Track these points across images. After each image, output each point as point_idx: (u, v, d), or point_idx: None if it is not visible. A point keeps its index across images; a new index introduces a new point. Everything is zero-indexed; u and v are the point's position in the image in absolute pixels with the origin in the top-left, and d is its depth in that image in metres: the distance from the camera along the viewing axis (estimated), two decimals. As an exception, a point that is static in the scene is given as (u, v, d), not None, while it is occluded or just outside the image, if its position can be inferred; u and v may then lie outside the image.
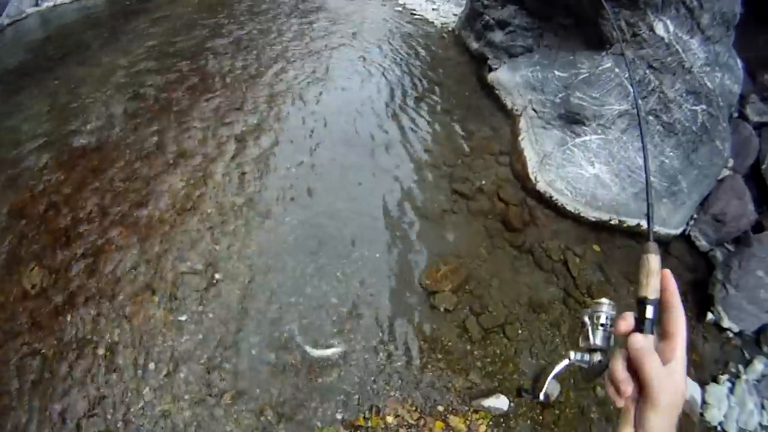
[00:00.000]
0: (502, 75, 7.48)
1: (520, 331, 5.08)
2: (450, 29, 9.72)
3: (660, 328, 0.92)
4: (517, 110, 7.11)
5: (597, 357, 1.00)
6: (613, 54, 6.29)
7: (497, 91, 7.44)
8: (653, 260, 0.96)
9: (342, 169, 6.31)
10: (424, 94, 7.56)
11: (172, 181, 5.81)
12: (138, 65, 7.81)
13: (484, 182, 6.19)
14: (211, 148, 6.34)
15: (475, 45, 8.43)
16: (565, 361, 1.07)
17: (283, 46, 8.68)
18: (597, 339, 1.00)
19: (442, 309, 4.97)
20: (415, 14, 10.16)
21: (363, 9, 10.82)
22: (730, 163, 6.73)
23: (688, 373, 4.05)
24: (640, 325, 0.90)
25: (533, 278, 5.50)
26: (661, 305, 0.92)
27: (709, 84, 6.15)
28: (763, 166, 6.89)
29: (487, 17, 8.17)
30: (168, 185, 5.73)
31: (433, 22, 9.99)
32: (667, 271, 0.95)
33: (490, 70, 7.84)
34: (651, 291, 0.93)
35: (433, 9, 10.19)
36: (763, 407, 6.14)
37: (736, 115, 7.25)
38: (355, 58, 8.56)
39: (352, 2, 11.15)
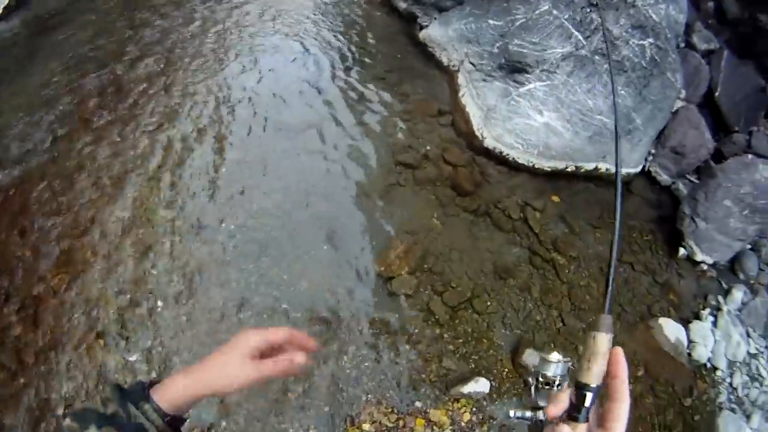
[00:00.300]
0: (433, 31, 6.96)
1: (489, 303, 4.67)
2: None
3: (599, 414, 0.80)
4: (454, 66, 6.62)
5: (540, 415, 0.87)
6: (548, -6, 5.83)
7: (431, 49, 6.92)
8: (601, 341, 0.83)
9: (275, 159, 5.70)
10: (355, 64, 6.97)
11: (100, 205, 5.13)
12: (58, 81, 6.96)
13: (428, 147, 5.68)
14: (135, 160, 5.64)
15: (402, 4, 7.88)
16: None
17: (207, 36, 7.94)
18: (540, 398, 0.88)
19: (402, 294, 4.49)
20: None
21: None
22: (683, 94, 6.44)
23: (669, 314, 4.26)
24: (574, 410, 0.80)
25: (494, 242, 5.09)
26: (605, 389, 0.80)
27: (654, 16, 5.80)
28: (716, 94, 6.61)
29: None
30: (97, 211, 5.06)
31: None
32: (619, 353, 0.82)
33: (421, 28, 7.31)
34: (593, 377, 0.81)
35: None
36: (748, 336, 5.92)
37: (683, 45, 6.95)
38: (282, 35, 7.88)
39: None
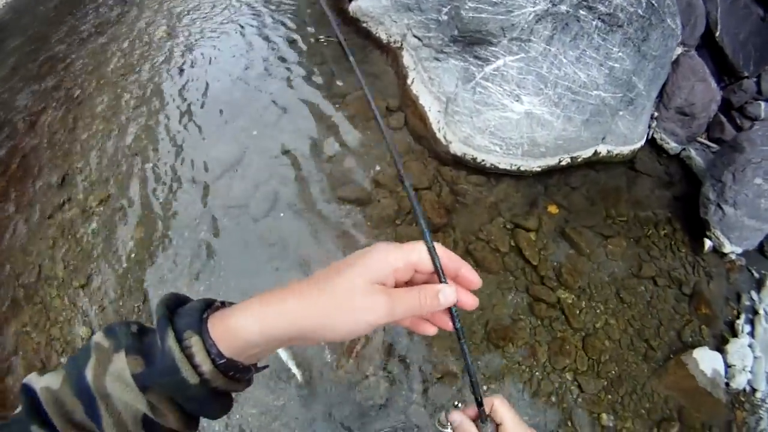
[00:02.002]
0: (364, 2, 5.31)
1: (485, 390, 3.39)
2: None
3: None
4: (395, 43, 5.04)
5: None
6: (505, -67, 4.18)
7: (365, 24, 5.31)
8: None
9: (188, 210, 4.22)
10: (273, 65, 5.34)
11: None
12: None
13: (378, 167, 4.23)
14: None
15: None
16: None
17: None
18: None
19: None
20: None
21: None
22: (680, 38, 4.97)
23: (702, 335, 4.04)
24: None
25: (481, 294, 3.77)
26: None
27: (642, -52, 4.26)
28: (717, 34, 5.22)
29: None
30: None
31: None
32: None
33: (350, 0, 5.58)
34: None
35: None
36: (794, 341, 4.89)
37: (670, -23, 5.37)
38: (203, 36, 6.11)
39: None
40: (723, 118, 5.52)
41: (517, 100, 4.24)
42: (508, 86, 4.24)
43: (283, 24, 6.08)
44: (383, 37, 5.26)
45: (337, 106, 4.72)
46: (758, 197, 4.59)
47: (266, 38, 5.86)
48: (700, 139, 5.39)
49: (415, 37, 4.93)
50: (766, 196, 4.59)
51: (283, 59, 5.45)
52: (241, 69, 5.38)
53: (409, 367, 3.60)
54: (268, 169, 4.36)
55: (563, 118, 4.33)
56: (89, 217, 4.73)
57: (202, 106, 5.12)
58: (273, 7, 6.40)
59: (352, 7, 5.58)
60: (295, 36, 5.78)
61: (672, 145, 5.28)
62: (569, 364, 3.85)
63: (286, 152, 4.39)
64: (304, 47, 5.64)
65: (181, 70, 5.74)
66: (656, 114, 5.23)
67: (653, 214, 4.78)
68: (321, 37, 5.61)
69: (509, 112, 4.23)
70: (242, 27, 6.14)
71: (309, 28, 5.88)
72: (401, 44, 5.11)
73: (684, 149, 5.39)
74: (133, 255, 4.31)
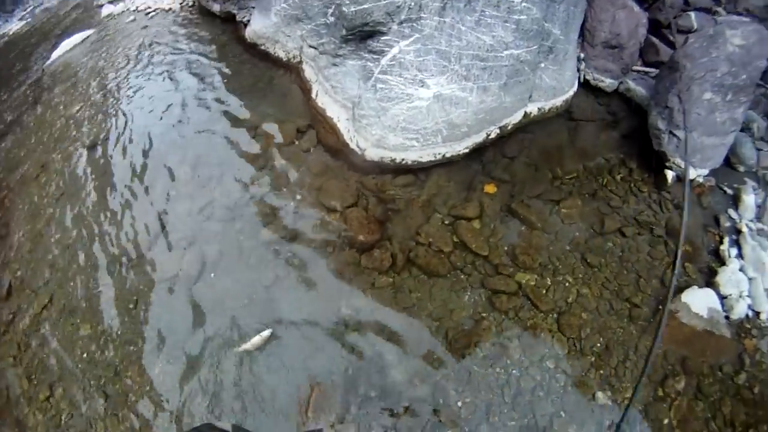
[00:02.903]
0: (257, 24, 5.20)
1: (460, 406, 3.10)
2: (191, 4, 6.95)
3: None
4: (294, 58, 4.77)
5: None
6: None
7: (263, 47, 5.07)
8: None
9: (124, 292, 4.07)
10: (177, 106, 5.02)
11: None
12: None
13: (298, 196, 3.93)
14: None
15: (216, 6, 5.87)
16: None
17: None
18: None
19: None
20: (150, 10, 7.39)
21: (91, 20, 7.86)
22: None
23: (688, 275, 3.92)
24: None
25: (435, 302, 3.63)
26: None
27: None
28: None
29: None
30: None
31: (172, 9, 7.22)
32: None
33: (245, 26, 5.28)
34: None
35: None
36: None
37: None
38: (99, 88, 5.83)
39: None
40: (655, 40, 5.13)
41: (421, 86, 3.89)
42: (409, 73, 3.89)
43: (199, 74, 5.77)
44: (282, 55, 4.95)
45: (249, 137, 4.42)
46: (711, 112, 4.23)
47: (182, 94, 5.56)
48: (635, 68, 5.02)
49: (311, 47, 4.61)
50: (719, 109, 4.23)
51: (187, 100, 5.12)
52: (152, 146, 5.08)
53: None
54: (191, 232, 4.06)
55: (478, 90, 3.98)
56: (40, 323, 4.50)
57: (114, 186, 4.83)
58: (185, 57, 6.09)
59: (248, 33, 5.28)
60: (201, 72, 5.45)
61: (607, 82, 4.90)
62: (547, 351, 3.52)
63: (200, 214, 4.07)
64: (209, 80, 5.31)
65: (93, 149, 5.46)
66: (582, 55, 4.86)
67: (604, 160, 4.42)
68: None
69: (416, 100, 3.88)
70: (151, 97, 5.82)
71: (207, 67, 5.53)
72: (300, 58, 4.80)
73: (621, 83, 5.02)
74: (84, 354, 4.08)
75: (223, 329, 3.51)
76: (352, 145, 4.06)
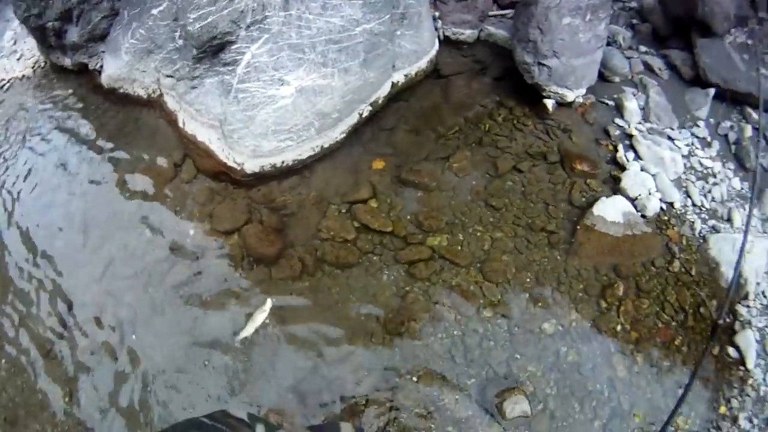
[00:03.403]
0: (110, 68, 4.91)
1: (415, 379, 2.96)
2: (43, 65, 6.58)
3: None
4: (154, 92, 4.65)
5: None
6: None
7: (122, 90, 4.85)
8: None
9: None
10: (58, 166, 4.77)
11: None
12: None
13: (192, 231, 3.81)
14: None
15: (68, 61, 5.54)
16: None
17: None
18: None
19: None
20: (4, 82, 6.92)
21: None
22: None
23: (593, 190, 4.05)
24: None
25: (355, 292, 3.56)
26: None
27: None
28: None
29: (50, 24, 5.30)
30: None
31: (26, 76, 6.81)
32: None
33: (100, 73, 5.01)
34: None
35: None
36: (672, 140, 4.68)
37: None
38: None
39: None
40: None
41: (282, 84, 3.76)
42: (267, 75, 3.76)
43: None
44: (141, 93, 4.72)
45: (128, 194, 4.15)
46: (575, 35, 4.30)
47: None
48: (492, 13, 5.11)
49: (167, 76, 4.42)
50: (581, 30, 4.33)
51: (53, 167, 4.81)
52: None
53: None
54: (99, 299, 3.77)
55: (339, 73, 3.90)
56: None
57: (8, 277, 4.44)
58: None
59: (104, 80, 5.01)
60: (65, 135, 5.14)
61: (467, 33, 4.95)
62: (481, 302, 3.50)
63: (106, 269, 3.79)
64: (72, 141, 5.01)
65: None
66: (437, 13, 4.87)
67: (482, 107, 4.42)
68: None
69: (280, 100, 3.75)
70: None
71: (68, 129, 5.22)
72: (160, 91, 4.60)
73: (481, 30, 5.09)
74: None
75: (163, 389, 3.23)
76: (230, 163, 3.90)
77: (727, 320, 4.14)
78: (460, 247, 3.65)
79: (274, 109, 3.78)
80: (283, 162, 3.90)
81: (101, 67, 5.22)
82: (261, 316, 3.06)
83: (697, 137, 4.77)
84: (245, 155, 3.87)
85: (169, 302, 3.60)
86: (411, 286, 3.50)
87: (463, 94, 4.48)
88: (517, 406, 3.21)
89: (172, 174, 4.16)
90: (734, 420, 3.99)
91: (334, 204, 3.80)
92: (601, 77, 4.84)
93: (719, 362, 4.03)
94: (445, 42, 4.84)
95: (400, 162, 3.99)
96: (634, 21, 5.37)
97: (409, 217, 3.74)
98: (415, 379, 3.21)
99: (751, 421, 4.01)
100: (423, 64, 4.49)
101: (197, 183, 4.07)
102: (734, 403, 4.00)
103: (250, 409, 3.03)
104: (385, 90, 4.24)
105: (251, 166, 3.87)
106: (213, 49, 3.87)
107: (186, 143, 4.26)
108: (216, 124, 3.99)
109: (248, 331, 3.08)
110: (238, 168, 3.90)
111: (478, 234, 3.73)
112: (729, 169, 4.80)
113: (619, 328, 3.71)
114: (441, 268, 3.59)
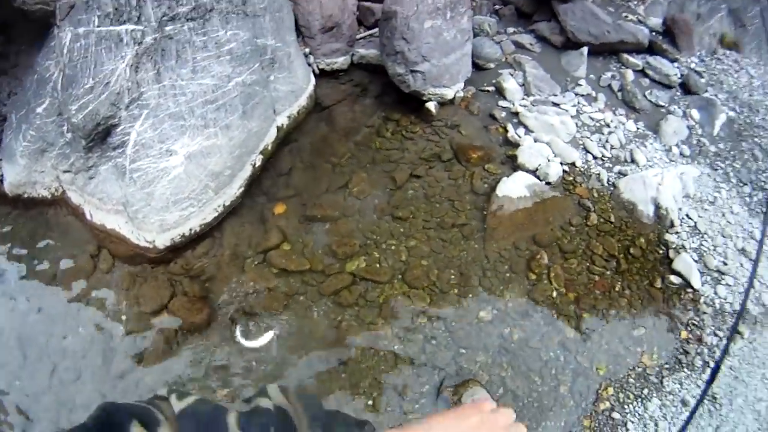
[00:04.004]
0: (10, 175, 4.72)
1: (371, 403, 2.98)
2: None
3: None
4: (57, 190, 4.64)
5: None
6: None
7: (25, 194, 4.77)
8: None
9: None
10: None
11: None
12: None
13: (124, 317, 3.87)
14: None
15: None
16: None
17: None
18: None
19: None
20: None
21: None
22: None
23: (492, 173, 4.15)
24: None
25: (293, 334, 3.57)
26: None
27: None
28: None
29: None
30: None
31: None
32: None
33: (2, 182, 4.99)
34: None
35: None
36: (558, 105, 4.87)
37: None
38: None
39: None
40: (366, 3, 5.42)
41: (171, 155, 3.82)
42: (155, 150, 3.82)
43: None
44: (45, 194, 4.70)
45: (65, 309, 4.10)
46: (439, 35, 4.49)
47: None
48: (359, 36, 5.26)
49: (65, 172, 4.43)
50: (444, 29, 4.55)
51: None
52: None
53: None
54: (52, 406, 3.68)
55: (222, 131, 3.98)
56: None
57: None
58: None
59: (6, 188, 4.94)
60: None
61: (340, 60, 5.09)
62: (412, 310, 3.56)
63: (52, 377, 3.73)
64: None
65: None
66: (307, 49, 5.00)
67: (369, 127, 4.53)
68: None
69: (173, 170, 3.82)
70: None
71: None
72: (62, 188, 4.58)
73: (353, 54, 5.22)
74: None
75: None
76: (142, 243, 3.93)
77: (660, 253, 4.24)
78: (378, 265, 3.70)
79: (168, 180, 3.82)
80: (190, 229, 3.91)
81: (2, 176, 5.18)
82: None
83: (581, 96, 4.96)
84: (154, 232, 3.88)
85: (118, 393, 3.57)
86: (341, 315, 3.53)
87: (348, 120, 4.59)
88: (476, 397, 3.21)
89: (92, 267, 4.13)
90: (699, 340, 4.06)
91: (249, 257, 3.82)
92: (477, 67, 5.03)
93: (665, 293, 4.11)
94: (322, 74, 4.97)
95: (303, 200, 4.06)
96: (497, 6, 5.61)
97: (322, 250, 3.80)
98: (370, 402, 3.22)
99: (716, 335, 4.08)
100: (303, 101, 4.59)
101: (117, 270, 4.06)
102: (693, 325, 4.08)
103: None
104: (271, 136, 4.31)
105: (162, 241, 3.88)
106: (100, 136, 3.90)
107: (97, 234, 4.26)
108: (120, 208, 4.01)
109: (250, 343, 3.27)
110: (151, 246, 3.91)
111: (393, 247, 3.78)
112: (620, 115, 4.99)
113: (554, 293, 3.77)
114: (365, 289, 3.63)
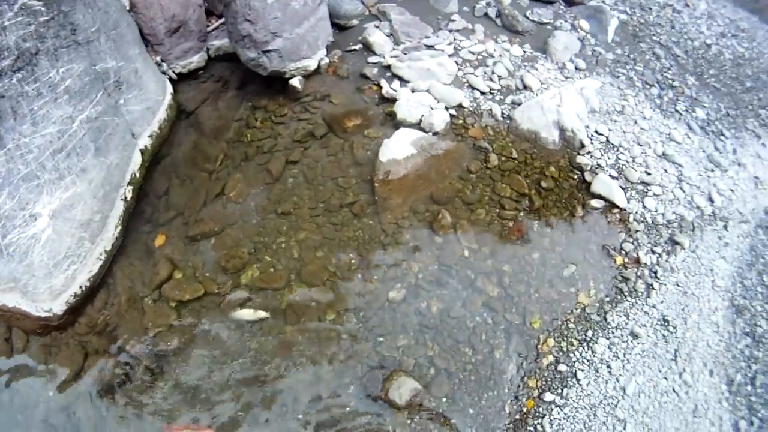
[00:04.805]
0: None
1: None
2: None
3: None
4: None
5: None
6: None
7: None
8: None
9: None
10: None
11: None
12: None
13: (51, 394, 3.61)
14: None
15: None
16: None
17: None
18: None
19: None
20: None
21: None
22: None
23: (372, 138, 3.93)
24: None
25: (209, 382, 3.33)
26: None
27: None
28: None
29: None
30: None
31: None
32: None
33: None
34: None
35: None
36: (431, 47, 4.48)
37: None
38: None
39: None
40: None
41: (35, 219, 3.59)
42: (18, 218, 3.62)
43: None
44: None
45: None
46: (287, 5, 4.16)
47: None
48: (210, 27, 4.87)
49: None
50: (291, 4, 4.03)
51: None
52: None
53: None
54: None
55: (79, 176, 3.81)
56: None
57: None
58: None
59: None
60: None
61: (196, 59, 4.77)
62: (318, 308, 3.36)
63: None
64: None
65: None
66: (158, 58, 4.61)
67: (238, 121, 4.26)
68: None
69: (42, 233, 3.60)
70: None
71: None
72: None
73: (208, 49, 4.86)
74: None
75: None
76: (42, 314, 3.73)
77: (575, 178, 3.89)
78: (272, 269, 3.51)
79: (41, 246, 3.59)
80: (81, 287, 3.72)
81: None
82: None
83: (457, 31, 4.58)
84: (47, 301, 3.70)
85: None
86: (249, 332, 3.33)
87: (215, 119, 4.23)
88: (403, 389, 3.02)
89: (8, 350, 3.89)
90: (637, 261, 3.73)
91: (146, 296, 3.62)
92: (339, 28, 4.64)
93: (589, 220, 3.77)
94: (180, 78, 4.60)
95: (185, 219, 3.83)
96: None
97: (212, 269, 3.58)
98: (300, 417, 3.06)
99: (653, 252, 3.75)
100: (162, 114, 4.26)
101: (31, 346, 3.84)
102: (627, 246, 3.74)
103: None
104: (136, 162, 4.03)
105: (58, 307, 3.70)
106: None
107: (3, 315, 3.98)
108: (12, 285, 3.78)
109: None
110: (51, 315, 3.72)
111: (283, 246, 3.57)
112: (503, 41, 4.61)
113: (467, 252, 3.46)
114: (266, 297, 3.43)
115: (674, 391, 3.41)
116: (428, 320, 3.31)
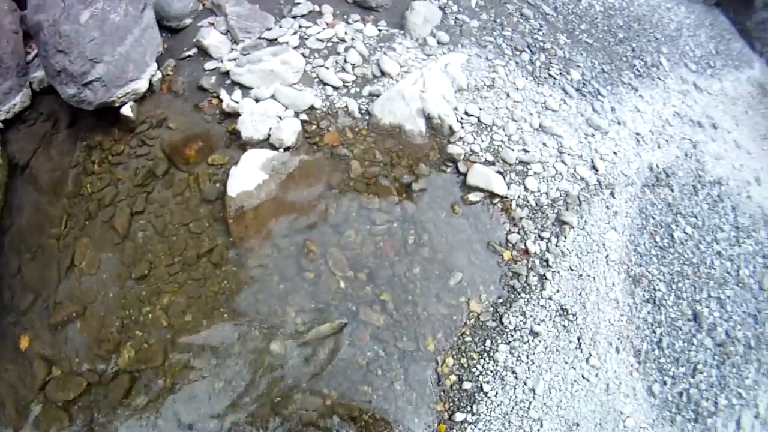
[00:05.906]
0: None
1: None
2: None
3: None
4: None
5: None
6: None
7: None
8: None
9: None
10: None
11: None
12: None
13: None
14: None
15: None
16: None
17: None
18: None
19: None
20: None
21: None
22: None
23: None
24: None
25: None
26: None
27: None
28: None
29: None
30: None
31: None
32: None
33: None
34: None
35: None
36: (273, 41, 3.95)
37: None
38: None
39: None
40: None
41: None
42: None
43: None
44: None
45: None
46: (105, 20, 3.60)
47: None
48: (29, 57, 4.12)
49: None
50: (110, 8, 3.61)
51: None
52: None
53: None
54: None
55: None
56: None
57: None
58: None
59: None
60: None
61: (18, 99, 4.10)
62: (205, 380, 3.05)
63: None
64: None
65: None
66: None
67: (76, 166, 3.82)
68: None
69: None
70: None
71: None
72: None
73: (30, 83, 4.12)
74: None
75: None
76: None
77: (449, 171, 3.56)
78: (146, 345, 3.11)
79: None
80: None
81: None
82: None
83: (302, 16, 4.02)
84: None
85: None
86: (141, 422, 2.95)
87: (51, 171, 3.71)
88: None
89: None
90: (525, 252, 3.53)
91: (32, 400, 3.14)
92: (171, 31, 3.98)
93: (467, 218, 3.55)
94: (7, 125, 3.91)
95: (45, 302, 3.33)
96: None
97: (87, 356, 3.13)
98: None
99: (541, 238, 3.55)
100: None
101: None
102: (513, 238, 3.51)
103: None
104: None
105: None
106: None
107: None
108: None
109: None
110: None
111: (150, 316, 3.19)
112: (355, 21, 4.10)
113: (342, 283, 3.48)
114: (148, 381, 3.04)
115: (584, 377, 3.35)
116: (317, 367, 3.04)
